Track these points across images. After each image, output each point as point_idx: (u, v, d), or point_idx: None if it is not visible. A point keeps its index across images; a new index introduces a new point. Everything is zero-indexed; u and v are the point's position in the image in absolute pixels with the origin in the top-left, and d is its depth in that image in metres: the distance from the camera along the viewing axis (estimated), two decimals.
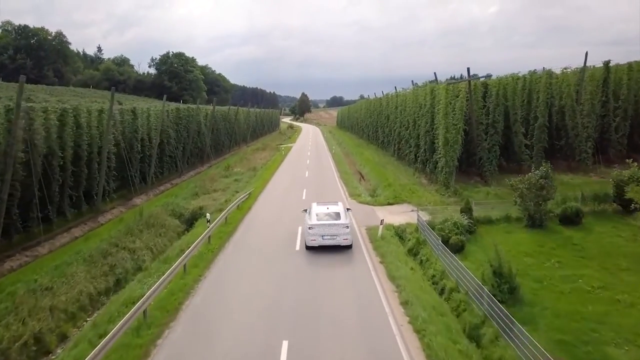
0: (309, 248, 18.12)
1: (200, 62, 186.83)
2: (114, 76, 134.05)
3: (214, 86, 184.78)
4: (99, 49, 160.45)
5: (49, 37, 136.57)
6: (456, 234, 18.73)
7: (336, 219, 17.98)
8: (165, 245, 24.09)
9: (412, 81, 43.84)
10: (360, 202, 27.77)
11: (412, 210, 25.22)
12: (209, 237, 19.72)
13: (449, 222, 19.40)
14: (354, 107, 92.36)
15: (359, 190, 31.40)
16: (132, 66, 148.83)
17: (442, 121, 29.21)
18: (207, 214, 21.21)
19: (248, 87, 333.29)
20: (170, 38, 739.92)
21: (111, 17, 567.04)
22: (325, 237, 17.68)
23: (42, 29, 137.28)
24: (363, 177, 36.55)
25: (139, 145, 33.49)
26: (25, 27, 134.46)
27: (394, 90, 50.62)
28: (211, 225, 19.86)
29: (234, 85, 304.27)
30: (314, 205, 19.37)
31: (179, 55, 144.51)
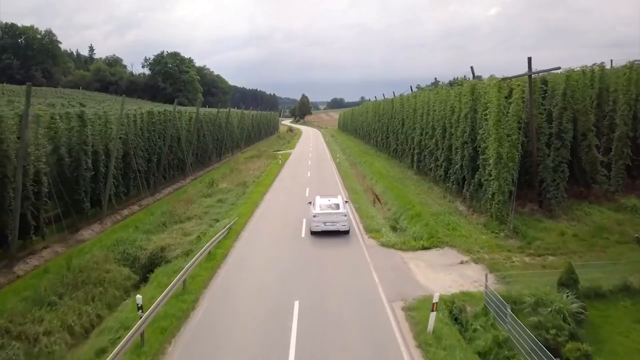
0: (314, 233, 20.56)
1: (202, 64, 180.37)
2: (105, 77, 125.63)
3: (212, 87, 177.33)
4: (91, 49, 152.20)
5: (39, 36, 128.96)
6: (569, 334, 10.62)
7: (336, 209, 20.59)
8: (98, 318, 15.92)
9: (435, 79, 35.86)
10: (383, 245, 19.40)
11: (462, 263, 17.11)
12: (143, 332, 11.47)
13: (549, 310, 11.28)
14: (359, 109, 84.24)
15: (377, 222, 23.11)
16: (125, 67, 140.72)
17: (492, 130, 21.03)
18: (138, 297, 12.10)
19: (248, 88, 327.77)
20: (171, 40, 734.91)
21: (112, 19, 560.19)
22: (327, 224, 20.28)
23: (31, 27, 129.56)
24: (378, 199, 28.32)
25: (89, 161, 25.31)
26: (13, 25, 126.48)
27: (410, 90, 42.69)
28: (144, 316, 11.39)
29: (234, 87, 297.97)
30: (318, 197, 21.97)
31: (174, 55, 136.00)
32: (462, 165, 25.33)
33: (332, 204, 20.85)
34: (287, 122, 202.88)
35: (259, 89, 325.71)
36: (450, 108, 27.63)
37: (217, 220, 25.38)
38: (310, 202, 22.59)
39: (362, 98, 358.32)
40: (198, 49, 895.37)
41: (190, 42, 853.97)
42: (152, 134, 34.44)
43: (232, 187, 35.36)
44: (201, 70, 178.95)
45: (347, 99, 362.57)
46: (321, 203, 20.96)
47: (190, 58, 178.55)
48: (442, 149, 28.72)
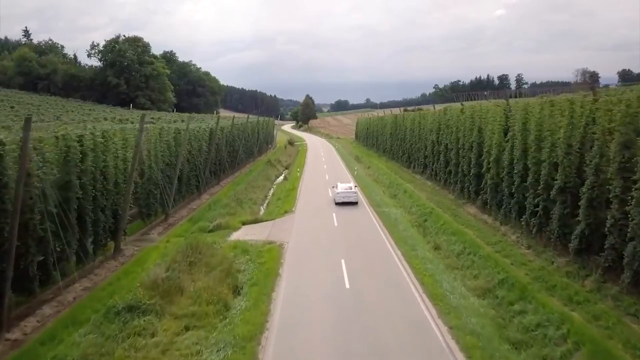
0: (337, 204, 29.69)
1: (205, 67, 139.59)
2: (31, 69, 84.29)
3: (198, 87, 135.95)
4: (27, 33, 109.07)
5: None
6: None
7: (349, 190, 30.55)
8: None
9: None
10: None
11: None
12: None
13: None
14: (418, 118, 41.63)
15: None
16: (65, 55, 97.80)
17: None
18: None
19: (247, 89, 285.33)
20: (174, 42, 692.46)
21: (114, 21, 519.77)
22: (345, 197, 29.81)
23: None
24: None
25: None
26: None
27: None
28: None
29: (231, 88, 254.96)
30: (339, 183, 31.95)
31: (134, 41, 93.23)
32: None
33: (347, 186, 31.09)
34: (288, 127, 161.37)
35: (258, 90, 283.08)
36: None
37: None
38: (333, 187, 32.36)
39: (368, 100, 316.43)
40: (201, 51, 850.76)
41: (193, 44, 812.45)
42: None
43: None
44: (186, 67, 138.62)
45: (351, 101, 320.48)
46: (342, 186, 30.96)
47: (172, 51, 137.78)
48: None
